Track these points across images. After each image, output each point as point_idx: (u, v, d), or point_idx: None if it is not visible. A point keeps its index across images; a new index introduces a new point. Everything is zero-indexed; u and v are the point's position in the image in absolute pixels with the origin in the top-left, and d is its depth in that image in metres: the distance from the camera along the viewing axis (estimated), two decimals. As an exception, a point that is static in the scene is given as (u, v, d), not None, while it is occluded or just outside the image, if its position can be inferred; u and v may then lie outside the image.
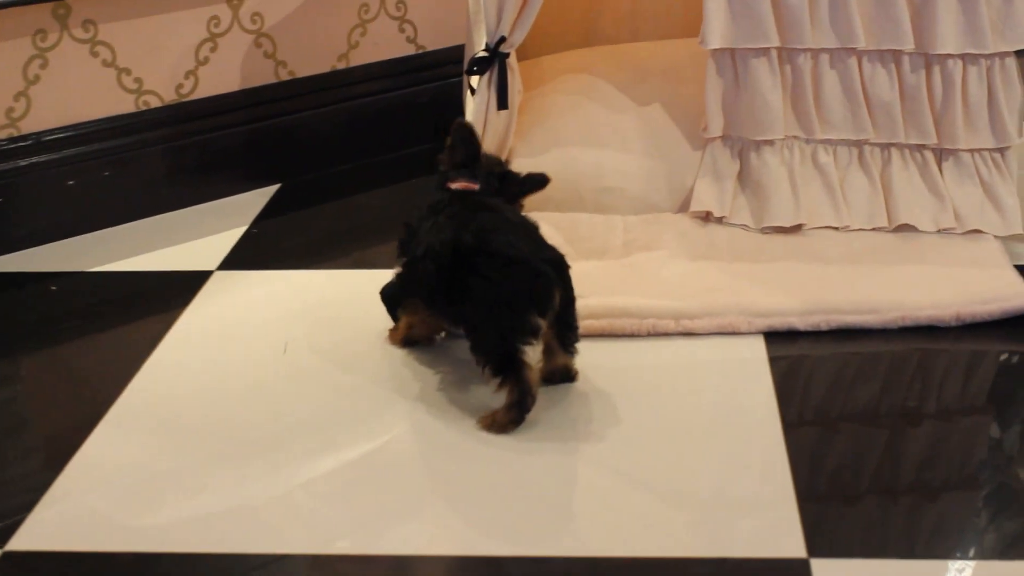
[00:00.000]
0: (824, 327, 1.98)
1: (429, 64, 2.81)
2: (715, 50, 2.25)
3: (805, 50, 2.25)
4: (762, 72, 2.24)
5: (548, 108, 2.44)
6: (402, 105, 2.78)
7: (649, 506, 1.61)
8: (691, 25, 2.54)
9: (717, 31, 2.22)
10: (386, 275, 1.98)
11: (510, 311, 1.69)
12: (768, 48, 2.24)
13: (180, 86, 2.51)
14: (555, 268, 1.72)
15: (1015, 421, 1.80)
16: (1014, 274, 2.08)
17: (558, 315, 1.72)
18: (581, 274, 2.08)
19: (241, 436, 1.77)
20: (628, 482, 1.65)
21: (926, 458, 1.71)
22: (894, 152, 2.29)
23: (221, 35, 2.53)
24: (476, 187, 1.84)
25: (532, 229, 1.80)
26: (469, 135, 1.89)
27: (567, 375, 1.82)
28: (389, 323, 1.99)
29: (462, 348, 1.84)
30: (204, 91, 2.54)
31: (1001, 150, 2.27)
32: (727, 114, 2.29)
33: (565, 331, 1.77)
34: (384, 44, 2.75)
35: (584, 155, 2.35)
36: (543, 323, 1.70)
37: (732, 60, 2.26)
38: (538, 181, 1.89)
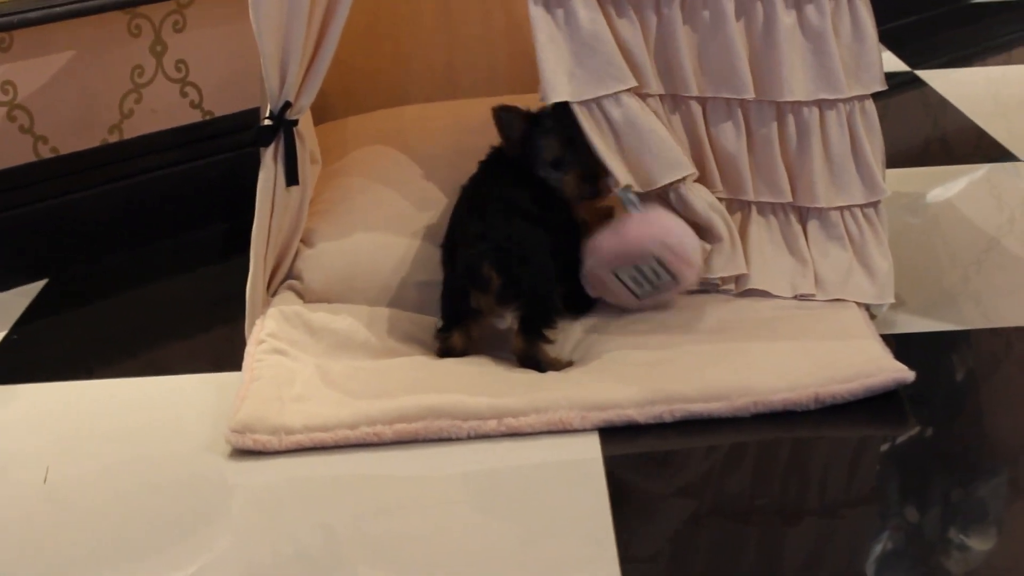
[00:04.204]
0: (668, 419, 2.01)
1: (219, 132, 2.82)
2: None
3: (653, 95, 2.29)
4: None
5: (352, 184, 2.45)
6: (189, 180, 2.79)
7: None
8: (518, 79, 2.58)
9: (561, 83, 2.21)
10: (182, 381, 1.99)
11: None
12: (618, 93, 2.24)
13: (-83, 172, 2.49)
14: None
15: (902, 511, 1.84)
16: (879, 346, 2.13)
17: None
18: (391, 370, 2.15)
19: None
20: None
21: (804, 564, 1.74)
22: (753, 208, 2.34)
23: (-35, 110, 2.52)
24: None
25: None
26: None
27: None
28: (183, 434, 2.03)
29: (280, 465, 1.93)
30: (-53, 176, 2.51)
31: (873, 204, 2.31)
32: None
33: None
34: (164, 111, 2.76)
35: (397, 243, 2.35)
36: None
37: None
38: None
